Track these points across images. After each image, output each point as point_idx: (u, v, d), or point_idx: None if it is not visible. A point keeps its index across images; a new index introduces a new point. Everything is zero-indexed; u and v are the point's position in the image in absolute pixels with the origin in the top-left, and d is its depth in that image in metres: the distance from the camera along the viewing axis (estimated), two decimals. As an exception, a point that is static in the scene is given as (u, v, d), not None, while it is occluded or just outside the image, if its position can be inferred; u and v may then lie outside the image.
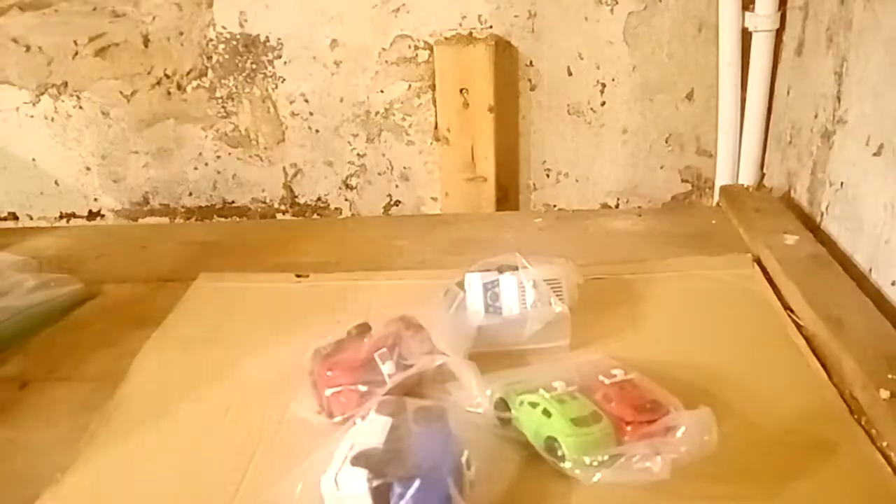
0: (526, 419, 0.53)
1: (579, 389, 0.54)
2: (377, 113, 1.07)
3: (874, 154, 0.73)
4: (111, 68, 1.07)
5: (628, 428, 0.51)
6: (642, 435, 0.50)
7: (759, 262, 0.80)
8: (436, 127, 1.06)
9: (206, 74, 1.07)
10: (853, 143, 0.78)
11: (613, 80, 1.04)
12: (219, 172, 1.12)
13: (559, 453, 0.50)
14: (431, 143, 1.08)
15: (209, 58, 1.06)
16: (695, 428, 0.49)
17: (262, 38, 1.04)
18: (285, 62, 1.05)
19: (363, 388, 0.55)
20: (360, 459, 0.44)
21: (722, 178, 1.04)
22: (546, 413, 0.51)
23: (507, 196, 1.12)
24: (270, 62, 1.05)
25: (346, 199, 1.14)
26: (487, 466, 0.48)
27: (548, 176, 1.11)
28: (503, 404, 0.55)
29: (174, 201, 1.15)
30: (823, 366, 0.63)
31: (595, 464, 0.49)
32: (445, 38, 1.02)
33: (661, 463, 0.47)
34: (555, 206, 1.12)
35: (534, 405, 0.52)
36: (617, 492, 0.49)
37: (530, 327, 0.64)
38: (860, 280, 0.73)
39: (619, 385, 0.55)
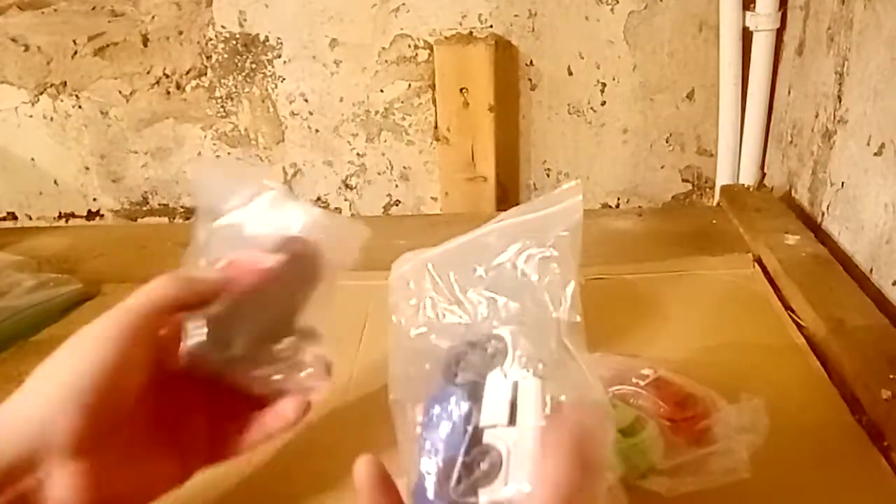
0: None
1: (615, 396, 0.52)
2: (377, 112, 1.07)
3: (875, 154, 0.73)
4: (110, 68, 1.06)
5: (669, 424, 0.50)
6: (696, 433, 0.49)
7: (759, 261, 0.80)
8: (436, 127, 1.05)
9: (205, 74, 1.07)
10: (854, 142, 0.78)
11: (614, 79, 1.04)
12: (218, 172, 1.12)
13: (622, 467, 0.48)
14: (431, 143, 1.08)
15: (208, 57, 1.06)
16: (758, 421, 0.49)
17: (262, 38, 1.04)
18: (285, 62, 1.05)
19: None
20: None
21: (722, 178, 1.04)
22: None
23: (507, 196, 1.11)
24: (270, 62, 1.05)
25: (346, 199, 1.13)
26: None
27: (548, 176, 1.11)
28: None
29: (173, 201, 1.15)
30: (824, 366, 0.63)
31: (669, 472, 0.47)
32: (445, 38, 1.02)
33: (743, 461, 0.46)
34: (555, 205, 1.12)
35: None
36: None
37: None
38: (861, 280, 0.73)
39: (654, 384, 0.54)
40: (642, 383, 0.54)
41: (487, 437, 0.35)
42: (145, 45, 1.05)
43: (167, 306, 0.39)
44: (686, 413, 0.51)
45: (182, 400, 0.41)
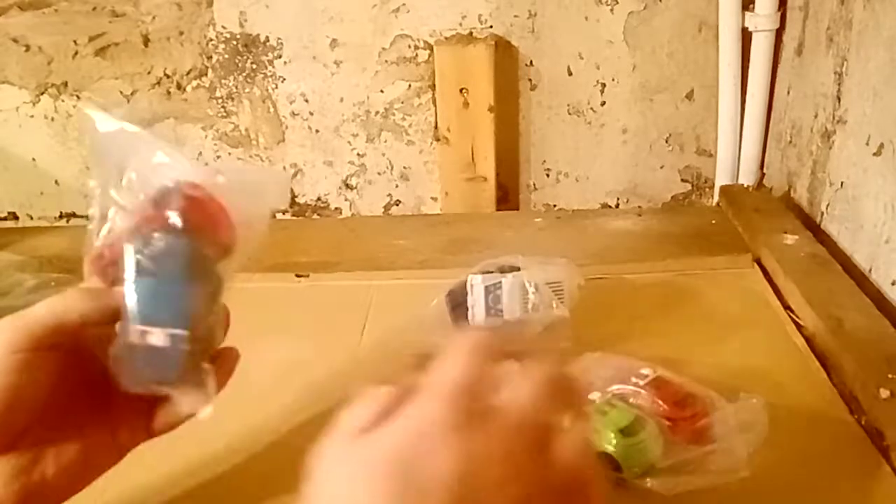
0: None
1: (614, 395, 0.53)
2: (377, 113, 1.08)
3: (874, 154, 0.73)
4: (111, 68, 1.07)
5: (669, 424, 0.50)
6: (696, 432, 0.49)
7: (758, 261, 0.80)
8: (436, 127, 1.06)
9: (206, 74, 1.07)
10: (853, 142, 0.78)
11: (613, 79, 1.04)
12: (219, 172, 1.12)
13: (620, 467, 0.49)
14: (431, 143, 1.08)
15: (209, 57, 1.06)
16: (757, 420, 0.49)
17: (263, 38, 1.04)
18: (285, 62, 1.05)
19: None
20: None
21: (722, 178, 1.04)
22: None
23: (507, 196, 1.12)
24: (270, 62, 1.05)
25: (346, 199, 1.14)
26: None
27: (548, 176, 1.11)
28: None
29: (174, 201, 1.14)
30: (823, 365, 0.63)
31: (668, 471, 0.48)
32: (445, 38, 1.02)
33: (742, 460, 0.47)
34: (555, 205, 1.12)
35: None
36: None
37: (531, 330, 0.64)
38: (860, 280, 0.73)
39: (653, 384, 0.54)
40: (642, 383, 0.54)
41: None
42: (146, 46, 1.05)
43: (70, 321, 0.39)
44: (685, 412, 0.51)
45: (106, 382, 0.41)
